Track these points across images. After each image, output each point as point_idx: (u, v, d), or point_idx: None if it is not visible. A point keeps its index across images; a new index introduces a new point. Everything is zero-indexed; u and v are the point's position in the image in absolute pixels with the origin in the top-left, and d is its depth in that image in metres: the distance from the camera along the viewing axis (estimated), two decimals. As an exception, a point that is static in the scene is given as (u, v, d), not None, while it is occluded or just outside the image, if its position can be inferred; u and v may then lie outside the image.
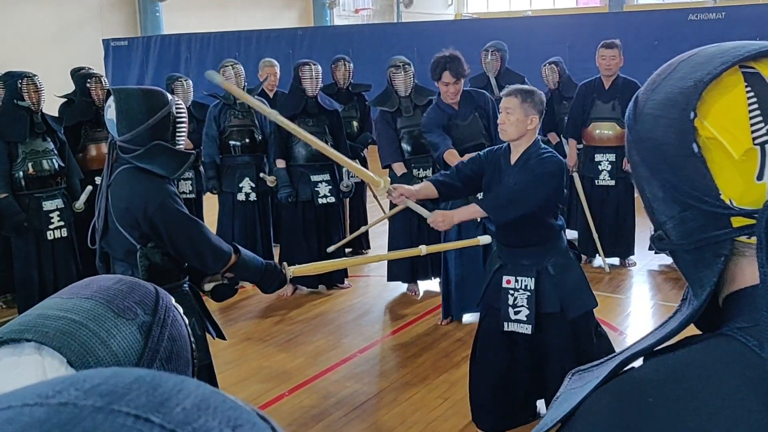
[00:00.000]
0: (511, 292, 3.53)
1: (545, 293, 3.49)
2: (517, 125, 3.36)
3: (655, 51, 10.63)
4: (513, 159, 3.48)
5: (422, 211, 3.58)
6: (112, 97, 2.82)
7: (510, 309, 3.53)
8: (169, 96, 2.86)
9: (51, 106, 6.08)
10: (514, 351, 3.63)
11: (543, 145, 3.54)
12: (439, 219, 3.50)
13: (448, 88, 4.80)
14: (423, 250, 3.52)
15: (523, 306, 3.51)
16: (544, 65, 7.19)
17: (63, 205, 5.35)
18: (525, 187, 3.37)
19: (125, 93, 2.84)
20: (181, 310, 1.07)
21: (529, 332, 3.51)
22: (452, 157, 4.77)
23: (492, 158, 3.58)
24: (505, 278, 3.55)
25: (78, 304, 0.97)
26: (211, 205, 6.52)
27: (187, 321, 1.08)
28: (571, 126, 6.35)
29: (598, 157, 6.01)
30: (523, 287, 3.51)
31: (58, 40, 16.63)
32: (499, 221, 3.48)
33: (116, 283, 1.01)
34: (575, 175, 6.43)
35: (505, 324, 3.56)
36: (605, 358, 0.86)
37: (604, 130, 6.12)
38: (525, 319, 3.51)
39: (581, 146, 6.34)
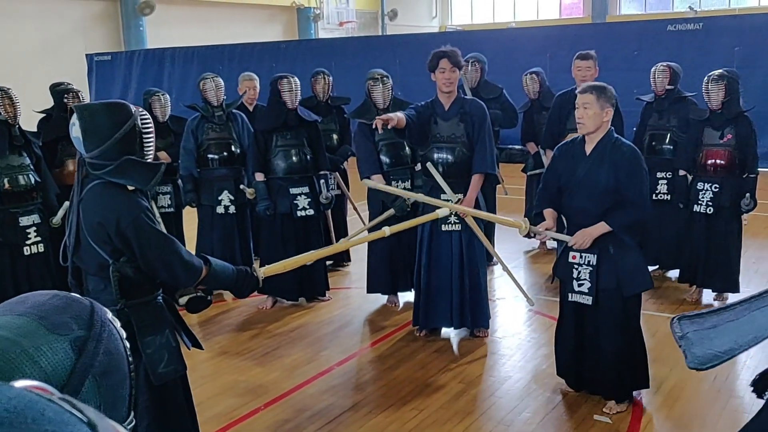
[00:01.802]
0: (576, 266, 3.97)
1: (604, 270, 3.89)
2: (594, 118, 3.79)
3: (635, 61, 10.73)
4: (588, 149, 3.89)
5: (565, 238, 3.99)
6: (75, 115, 2.81)
7: (574, 282, 3.98)
8: (133, 108, 2.85)
9: (31, 122, 6.06)
10: (582, 320, 4.05)
11: (615, 134, 3.92)
12: (581, 240, 3.87)
13: (445, 75, 4.82)
14: (386, 231, 3.77)
15: (585, 279, 3.95)
16: (526, 75, 7.25)
17: (40, 220, 5.31)
18: (638, 192, 3.82)
19: (89, 110, 2.83)
20: (118, 324, 1.07)
21: (590, 303, 3.94)
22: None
23: (564, 152, 4.02)
24: (571, 254, 3.98)
25: (9, 320, 0.97)
26: (191, 218, 6.50)
27: (125, 335, 1.08)
28: (548, 136, 6.39)
29: (575, 168, 6.02)
30: (586, 263, 3.94)
31: (41, 55, 16.59)
32: (634, 228, 3.94)
33: (51, 299, 1.01)
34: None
35: (569, 295, 4.02)
36: (727, 305, 1.01)
37: (581, 141, 6.15)
38: (586, 291, 3.95)
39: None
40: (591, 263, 3.91)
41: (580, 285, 3.96)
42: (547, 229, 4.02)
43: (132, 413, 1.07)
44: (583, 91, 3.84)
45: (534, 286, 6.37)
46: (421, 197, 4.87)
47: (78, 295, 1.05)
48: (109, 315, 1.06)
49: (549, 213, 4.09)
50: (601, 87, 3.83)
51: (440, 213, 4.23)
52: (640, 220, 3.93)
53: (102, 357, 0.99)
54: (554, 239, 4.20)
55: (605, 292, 3.90)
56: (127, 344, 1.07)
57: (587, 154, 3.88)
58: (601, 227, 3.83)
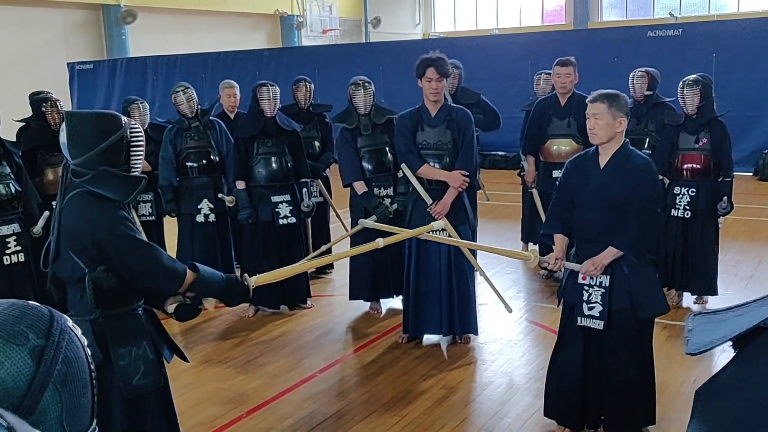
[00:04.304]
0: (586, 288, 3.66)
1: (617, 291, 3.61)
2: (606, 129, 3.54)
3: (615, 67, 10.82)
4: (602, 162, 3.64)
5: (575, 266, 3.70)
6: (65, 121, 2.81)
7: (584, 304, 3.66)
8: (125, 120, 2.82)
9: (11, 131, 6.03)
10: (590, 349, 3.73)
11: (631, 147, 3.67)
12: (592, 268, 3.61)
13: (431, 84, 4.82)
14: (380, 243, 3.59)
15: (596, 302, 3.64)
16: (540, 74, 7.25)
17: (20, 230, 5.26)
18: (647, 208, 3.58)
19: (78, 117, 2.81)
20: (79, 332, 1.07)
21: (601, 328, 3.63)
22: (427, 170, 4.92)
23: (577, 165, 3.76)
24: (581, 274, 3.67)
25: None
26: (172, 227, 6.48)
27: (86, 342, 1.08)
28: (528, 143, 6.43)
29: (555, 174, 6.04)
30: (597, 284, 3.64)
31: (22, 64, 16.51)
32: (642, 252, 3.63)
33: (7, 309, 1.01)
34: (534, 191, 6.51)
35: (579, 319, 3.69)
36: (745, 302, 1.05)
37: (561, 147, 6.19)
38: (598, 315, 3.63)
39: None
40: (603, 285, 3.62)
41: (590, 308, 3.65)
42: (557, 259, 3.75)
43: (95, 421, 1.07)
44: (593, 100, 3.57)
45: (519, 291, 6.41)
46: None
47: (36, 304, 1.05)
48: (70, 322, 1.06)
49: (559, 240, 3.80)
50: (613, 95, 3.56)
51: (435, 225, 4.16)
52: (643, 236, 3.59)
53: (61, 365, 0.99)
54: (567, 267, 3.84)
55: (618, 314, 3.62)
56: (89, 351, 1.07)
57: (601, 167, 3.62)
58: (610, 253, 3.57)
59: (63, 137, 2.79)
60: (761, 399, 0.91)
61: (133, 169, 2.81)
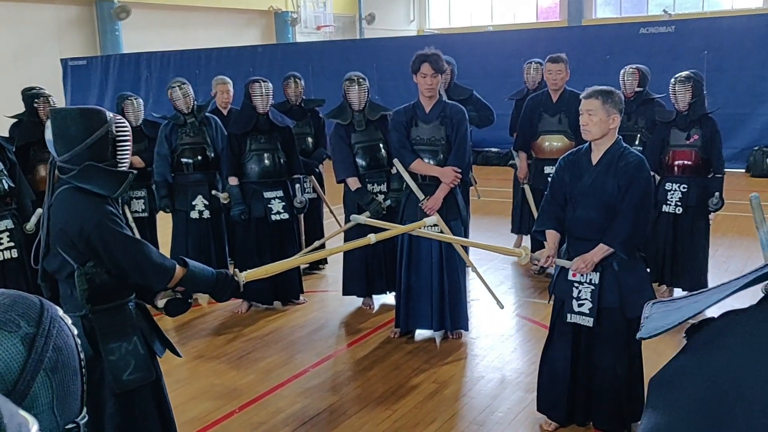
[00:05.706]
0: (576, 285, 3.69)
1: (607, 288, 3.64)
2: (600, 125, 3.55)
3: (608, 64, 10.86)
4: (595, 159, 3.66)
5: (566, 263, 3.72)
6: (50, 118, 2.82)
7: (574, 301, 3.69)
8: (109, 114, 2.83)
9: (4, 127, 6.04)
10: (579, 346, 3.76)
11: (624, 144, 3.69)
12: (582, 265, 3.63)
13: (426, 80, 4.84)
14: (372, 238, 3.62)
15: (586, 299, 3.66)
16: (530, 63, 7.27)
17: (13, 226, 5.27)
18: (639, 205, 3.56)
19: (63, 114, 2.83)
20: (69, 322, 1.10)
21: (590, 325, 3.65)
22: (419, 165, 4.93)
23: (570, 162, 3.76)
24: (571, 271, 3.69)
25: None
26: (165, 224, 6.49)
27: (75, 332, 1.10)
28: (520, 139, 6.46)
29: (547, 170, 6.08)
30: (587, 281, 3.66)
31: (15, 60, 16.47)
32: (632, 249, 3.62)
33: None
34: (526, 187, 6.54)
35: (568, 315, 3.72)
36: (703, 290, 1.08)
37: (552, 143, 6.23)
38: (587, 312, 3.66)
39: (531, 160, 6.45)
40: (593, 282, 3.64)
41: (580, 305, 3.67)
42: (548, 257, 3.76)
43: (85, 410, 1.09)
44: (587, 96, 3.58)
45: (511, 287, 6.44)
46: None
47: (27, 294, 1.08)
48: (60, 312, 1.08)
49: (552, 237, 3.80)
50: (608, 92, 3.57)
51: (427, 221, 4.19)
52: (635, 233, 3.57)
53: (52, 353, 1.02)
54: (559, 264, 3.84)
55: (607, 311, 3.65)
56: (78, 341, 1.10)
57: (594, 163, 3.64)
58: (601, 251, 3.58)
59: (48, 134, 2.79)
60: (719, 382, 0.93)
61: (120, 164, 2.82)
